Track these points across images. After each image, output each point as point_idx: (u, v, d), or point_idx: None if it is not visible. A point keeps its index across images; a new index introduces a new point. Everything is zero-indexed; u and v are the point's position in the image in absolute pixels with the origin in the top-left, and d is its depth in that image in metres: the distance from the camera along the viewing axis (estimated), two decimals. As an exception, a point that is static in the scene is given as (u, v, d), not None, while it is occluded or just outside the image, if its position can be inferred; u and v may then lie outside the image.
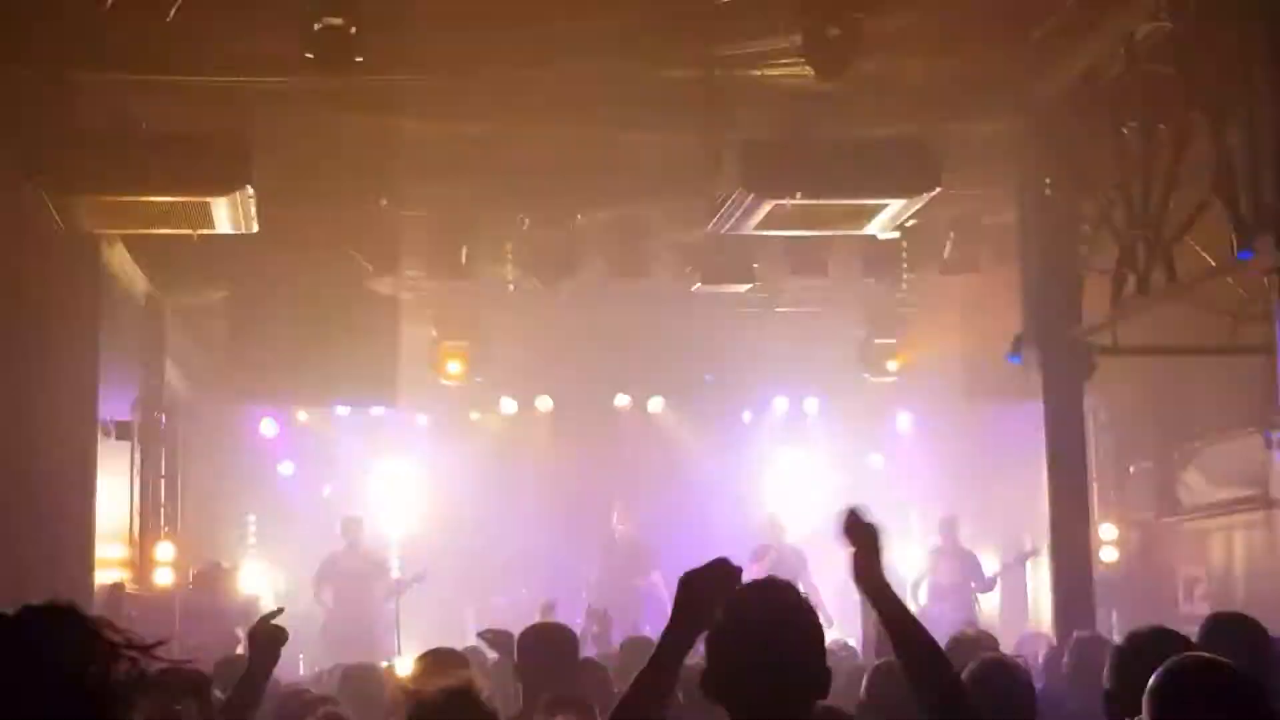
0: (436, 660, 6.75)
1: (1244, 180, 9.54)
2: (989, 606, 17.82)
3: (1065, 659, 9.00)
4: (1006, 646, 10.86)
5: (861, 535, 3.96)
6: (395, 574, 17.61)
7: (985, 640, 8.29)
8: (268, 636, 5.59)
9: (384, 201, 14.13)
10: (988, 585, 17.51)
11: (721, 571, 3.64)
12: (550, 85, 12.30)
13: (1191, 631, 6.12)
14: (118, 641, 1.94)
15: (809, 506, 20.67)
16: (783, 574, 17.26)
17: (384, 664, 10.76)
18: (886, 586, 3.90)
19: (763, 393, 20.92)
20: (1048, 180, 12.68)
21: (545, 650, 6.55)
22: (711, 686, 3.62)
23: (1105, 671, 4.98)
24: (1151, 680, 4.11)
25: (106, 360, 13.00)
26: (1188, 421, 16.40)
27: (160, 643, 2.02)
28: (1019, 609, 18.49)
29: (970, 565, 17.51)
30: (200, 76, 11.62)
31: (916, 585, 17.73)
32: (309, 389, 16.35)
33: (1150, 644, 4.91)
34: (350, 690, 8.53)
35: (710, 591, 3.61)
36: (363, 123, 12.90)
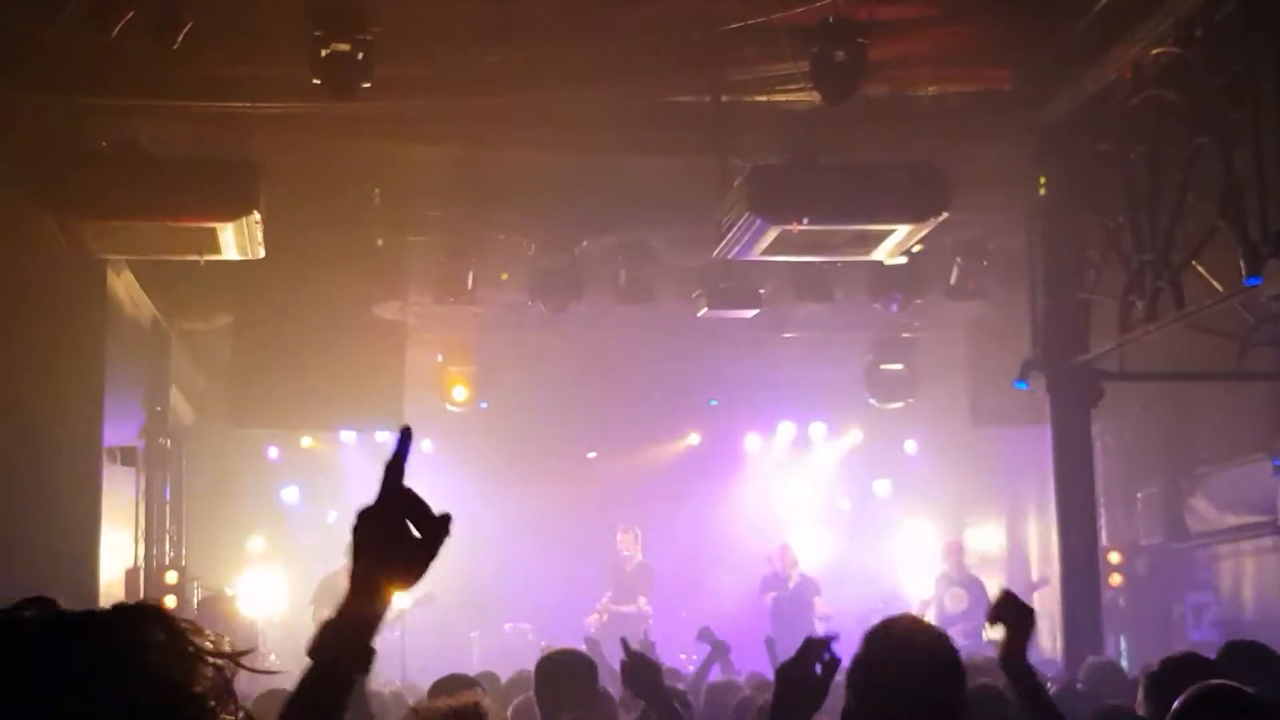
0: (450, 688, 6.71)
1: (1252, 205, 9.53)
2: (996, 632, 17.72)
3: (1079, 684, 8.98)
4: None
5: (1015, 618, 4.00)
6: (396, 601, 17.51)
7: (990, 669, 8.34)
8: None
9: (380, 242, 14.17)
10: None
11: (815, 658, 3.64)
12: (557, 110, 12.31)
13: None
14: (205, 647, 1.88)
15: (816, 532, 20.71)
16: (798, 604, 17.24)
17: (388, 689, 10.70)
18: (1032, 672, 3.95)
19: (769, 418, 20.90)
20: (1054, 205, 12.67)
21: (564, 676, 6.52)
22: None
23: (1139, 695, 4.99)
24: (1175, 706, 4.11)
25: (112, 385, 13.00)
26: (1195, 447, 16.36)
27: (248, 651, 1.97)
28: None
29: (977, 592, 17.45)
30: (208, 102, 11.64)
31: (924, 612, 17.68)
32: (314, 414, 16.33)
33: (1182, 669, 4.93)
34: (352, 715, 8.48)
35: (808, 682, 3.61)
36: (370, 148, 12.91)
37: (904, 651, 3.64)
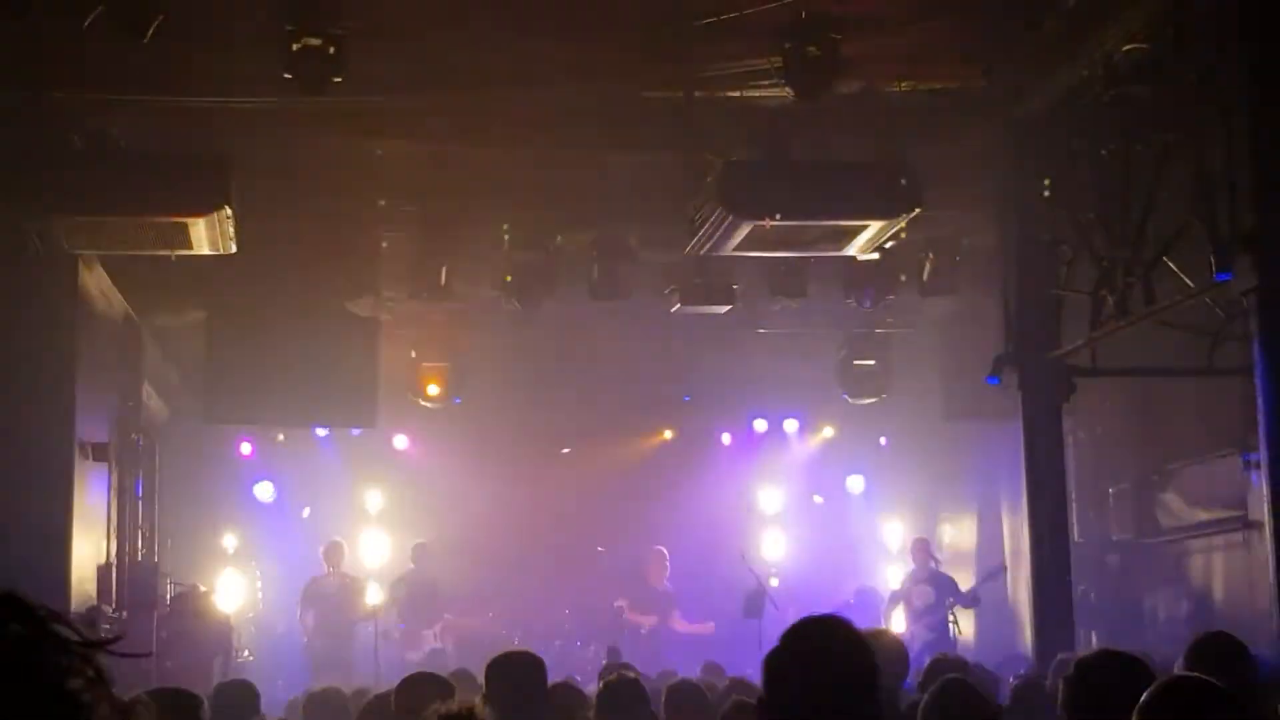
0: (420, 686, 6.71)
1: (1222, 202, 9.57)
2: (967, 628, 17.82)
3: (1049, 681, 9.00)
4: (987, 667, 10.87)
5: None
6: (374, 599, 17.51)
7: (957, 664, 8.46)
8: None
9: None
10: (969, 600, 17.49)
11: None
12: (530, 106, 12.31)
13: (1172, 652, 6.12)
14: (70, 637, 1.67)
15: (789, 527, 20.75)
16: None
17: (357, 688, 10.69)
18: None
19: (743, 413, 20.93)
20: (1026, 201, 12.71)
21: (513, 677, 6.52)
22: (770, 714, 3.63)
23: (1060, 700, 5.01)
24: (1144, 698, 4.13)
25: (84, 381, 12.96)
26: (1166, 442, 16.41)
27: (118, 638, 1.77)
28: (997, 629, 18.49)
29: (946, 587, 17.51)
30: (179, 97, 11.61)
31: (892, 607, 17.75)
32: (287, 410, 16.29)
33: (1099, 668, 4.96)
34: (314, 714, 8.49)
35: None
36: (342, 144, 12.89)
37: (820, 647, 3.67)
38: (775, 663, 3.65)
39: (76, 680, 1.66)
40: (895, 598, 17.84)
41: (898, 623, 17.15)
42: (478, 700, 4.86)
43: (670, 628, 18.20)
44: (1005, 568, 17.41)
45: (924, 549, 18.00)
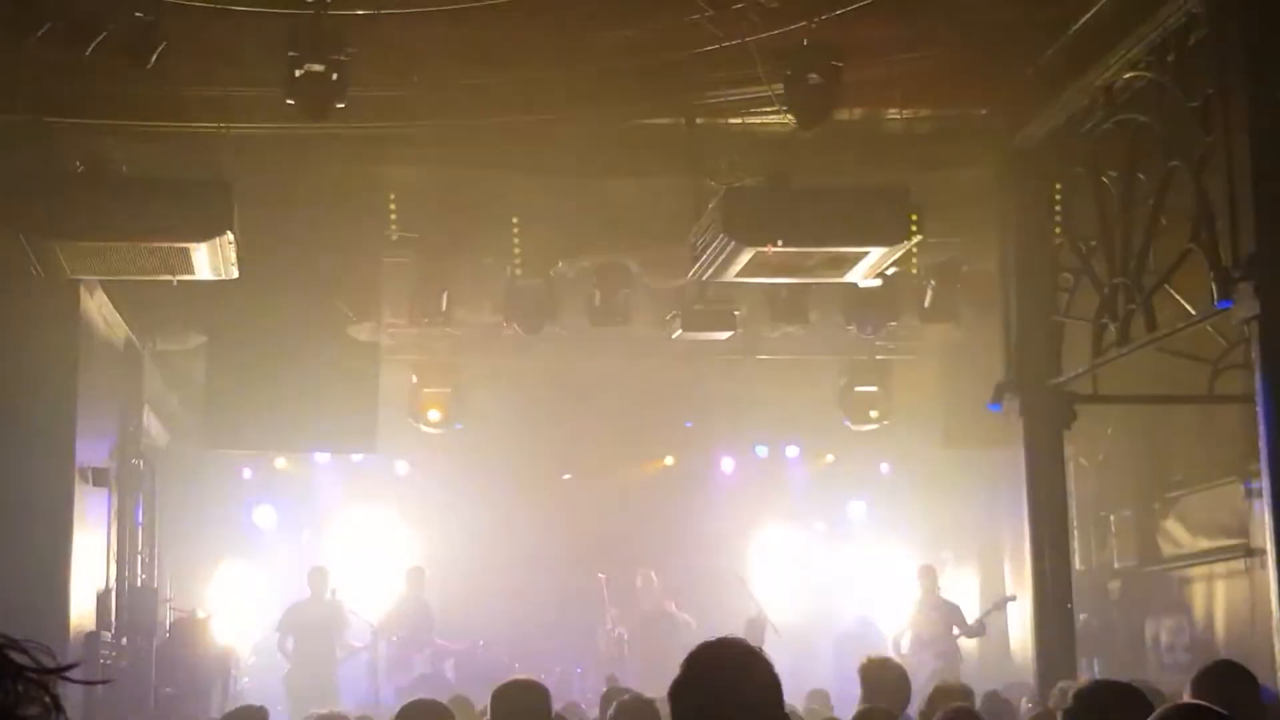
0: (419, 713, 6.69)
1: (1223, 229, 9.57)
2: (969, 653, 17.77)
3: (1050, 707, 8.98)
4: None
5: None
6: (366, 627, 17.39)
7: (963, 692, 8.40)
8: None
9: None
10: (973, 631, 17.47)
11: None
12: (532, 133, 12.32)
13: (1174, 680, 6.11)
14: (24, 663, 1.62)
15: (790, 554, 20.71)
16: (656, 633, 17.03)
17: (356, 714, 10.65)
18: None
19: (744, 439, 20.90)
20: (1028, 228, 12.72)
21: (518, 704, 6.50)
22: None
23: None
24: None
25: (85, 406, 12.95)
26: (1168, 470, 16.40)
27: (73, 665, 1.71)
28: (1000, 656, 18.45)
29: (952, 615, 17.48)
30: (181, 122, 11.63)
31: (900, 636, 17.69)
32: (288, 435, 16.26)
33: (1096, 698, 4.95)
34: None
35: None
36: (343, 169, 12.90)
37: (725, 667, 3.67)
38: (681, 692, 3.64)
39: (32, 708, 1.63)
40: (904, 627, 17.78)
41: (905, 650, 17.10)
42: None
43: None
44: (1014, 598, 17.34)
45: (931, 576, 17.97)
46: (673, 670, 3.60)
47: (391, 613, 18.20)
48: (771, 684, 3.66)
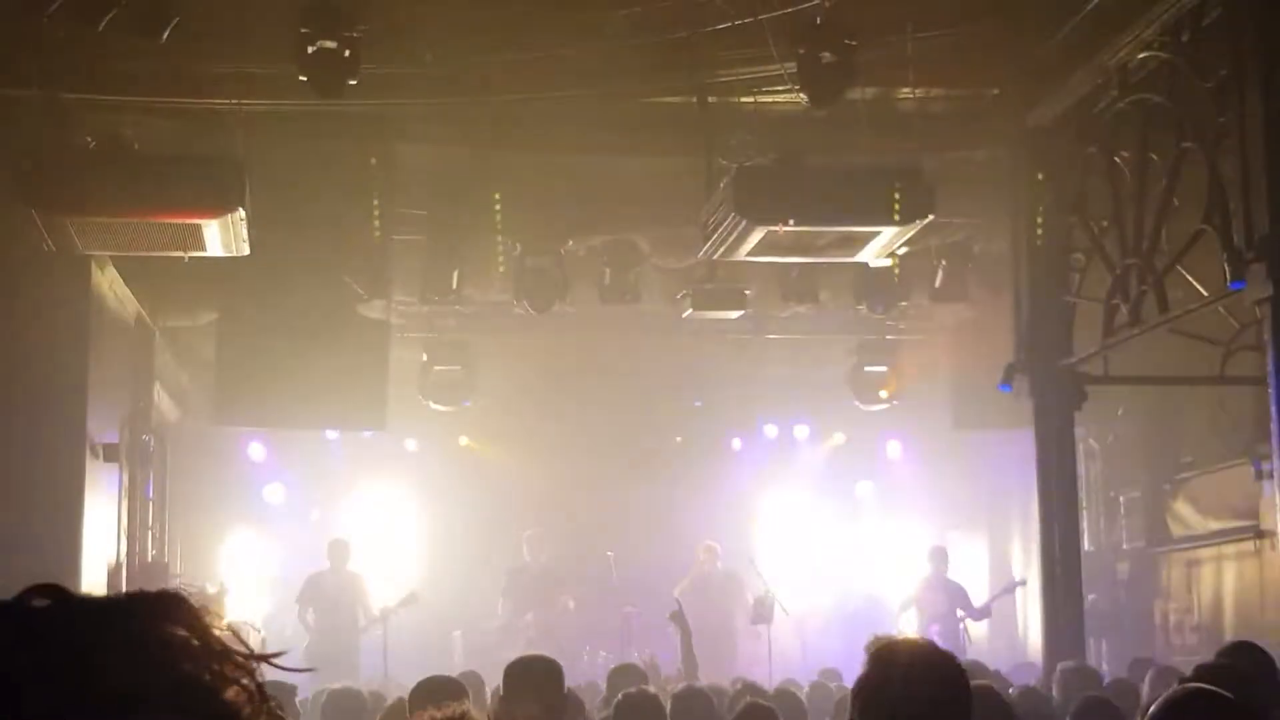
0: (432, 689, 6.72)
1: (1236, 210, 9.56)
2: (978, 635, 17.80)
3: (1054, 690, 9.00)
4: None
5: None
6: (383, 599, 17.50)
7: (974, 670, 8.37)
8: None
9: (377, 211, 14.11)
10: (979, 614, 17.50)
11: None
12: (543, 110, 12.31)
13: (1182, 662, 6.11)
14: (235, 647, 1.60)
15: (799, 533, 20.73)
16: (713, 596, 17.26)
17: (369, 688, 10.68)
18: None
19: (752, 419, 20.91)
20: (1040, 208, 12.70)
21: (533, 681, 6.52)
22: None
23: None
24: (1152, 710, 4.10)
25: (96, 382, 12.96)
26: (1178, 451, 16.40)
27: (281, 652, 1.70)
28: (1009, 637, 18.48)
29: (958, 597, 17.50)
30: (193, 99, 11.62)
31: (903, 611, 17.73)
32: (298, 412, 16.27)
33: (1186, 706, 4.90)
34: (333, 714, 8.49)
35: None
36: (355, 146, 12.90)
37: (914, 670, 3.63)
38: (868, 686, 3.61)
39: (234, 691, 1.58)
40: (907, 602, 17.82)
41: (908, 627, 17.12)
42: (469, 707, 4.85)
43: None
44: (1024, 582, 17.35)
45: (942, 557, 17.98)
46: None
47: (518, 576, 18.59)
48: (962, 685, 3.62)
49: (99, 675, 1.51)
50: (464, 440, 20.32)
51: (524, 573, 18.66)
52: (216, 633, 1.60)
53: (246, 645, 1.62)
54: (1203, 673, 5.04)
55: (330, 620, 17.00)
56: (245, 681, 1.59)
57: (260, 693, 1.60)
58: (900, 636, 3.77)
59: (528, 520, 19.38)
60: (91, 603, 1.60)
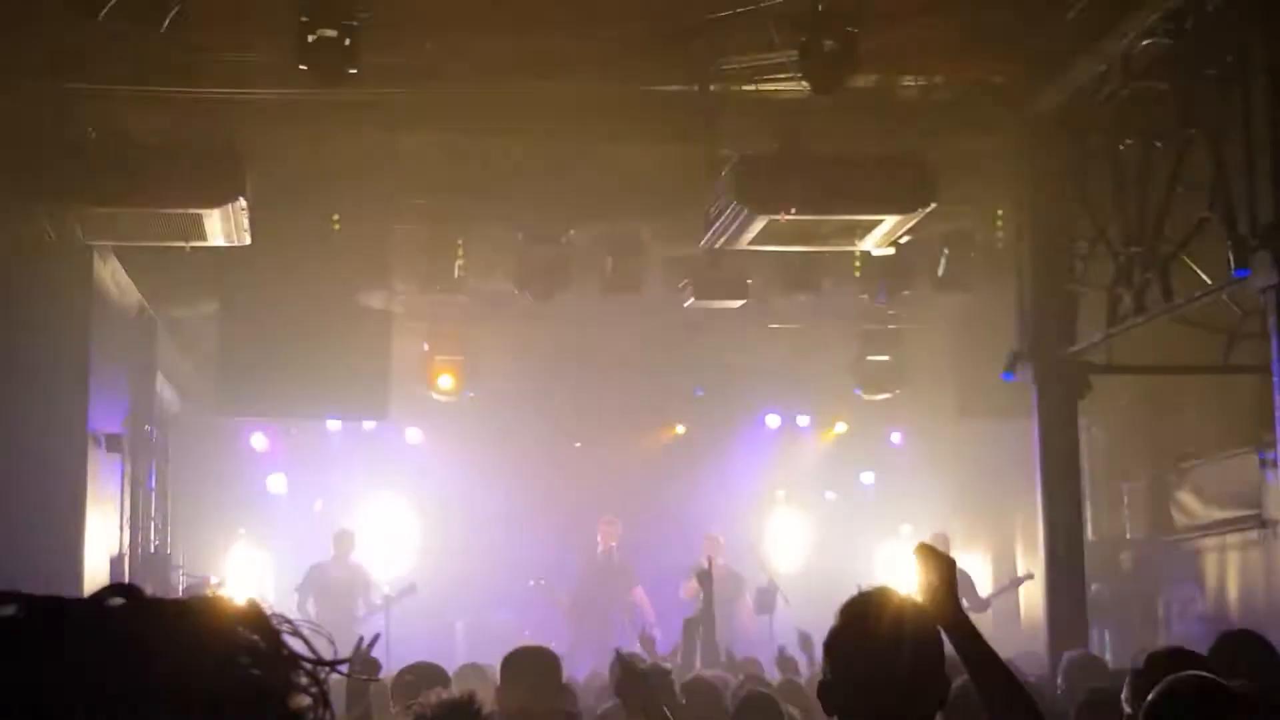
0: (418, 675, 6.72)
1: (1241, 198, 9.53)
2: (982, 626, 17.77)
3: (1059, 680, 8.97)
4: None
5: (937, 566, 3.87)
6: (382, 589, 17.51)
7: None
8: None
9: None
10: (980, 605, 17.49)
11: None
12: (544, 99, 12.28)
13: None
14: (302, 653, 1.59)
15: (801, 523, 20.72)
16: (722, 595, 17.25)
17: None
18: (965, 619, 3.83)
19: (755, 408, 20.88)
20: (1043, 197, 12.68)
21: (530, 671, 6.51)
22: (835, 698, 3.57)
23: (1123, 695, 4.93)
24: (1149, 697, 4.08)
25: (98, 372, 12.96)
26: (1182, 440, 16.38)
27: (344, 660, 1.69)
28: (1011, 626, 18.45)
29: (963, 585, 17.47)
30: (194, 89, 11.59)
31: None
32: (300, 402, 16.28)
33: (1168, 665, 4.87)
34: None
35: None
36: (356, 136, 12.87)
37: (886, 618, 3.61)
38: (838, 640, 3.59)
39: (298, 699, 1.58)
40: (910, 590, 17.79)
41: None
42: (479, 690, 4.85)
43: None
44: (1031, 576, 17.33)
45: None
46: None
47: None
48: (936, 643, 3.60)
49: (170, 675, 1.51)
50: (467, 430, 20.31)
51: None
52: (285, 638, 1.60)
53: (315, 651, 1.61)
54: (1194, 659, 5.02)
55: (330, 610, 17.01)
56: (312, 689, 1.59)
57: (325, 699, 1.59)
58: (871, 589, 3.72)
59: (529, 510, 19.38)
60: (166, 604, 1.61)
